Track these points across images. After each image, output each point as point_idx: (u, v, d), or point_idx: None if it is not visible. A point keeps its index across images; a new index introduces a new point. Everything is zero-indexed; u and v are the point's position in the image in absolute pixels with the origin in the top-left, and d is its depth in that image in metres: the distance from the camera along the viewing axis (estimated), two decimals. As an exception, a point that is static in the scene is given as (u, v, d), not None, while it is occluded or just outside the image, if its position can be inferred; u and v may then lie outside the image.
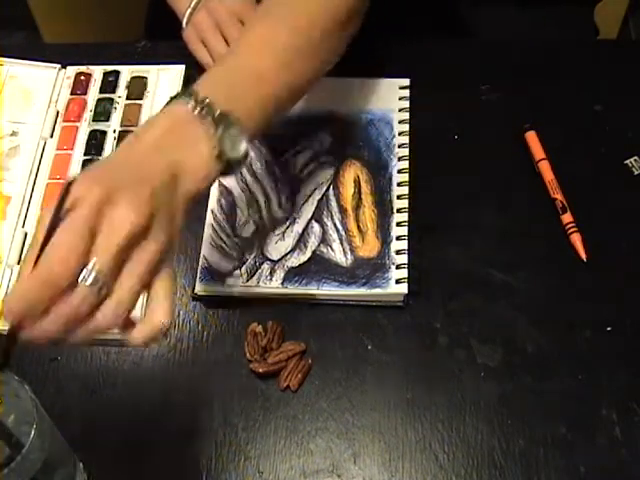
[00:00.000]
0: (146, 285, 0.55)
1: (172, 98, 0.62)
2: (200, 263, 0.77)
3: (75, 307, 0.51)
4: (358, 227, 0.79)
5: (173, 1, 0.93)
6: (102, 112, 0.87)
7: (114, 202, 0.53)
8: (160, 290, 0.55)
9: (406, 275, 0.75)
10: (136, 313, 0.55)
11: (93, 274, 0.51)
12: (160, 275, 0.55)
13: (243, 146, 0.62)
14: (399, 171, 0.81)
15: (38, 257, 0.51)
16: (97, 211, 0.52)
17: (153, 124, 0.60)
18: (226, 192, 0.81)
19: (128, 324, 0.55)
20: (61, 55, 0.91)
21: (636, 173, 0.82)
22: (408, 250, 0.76)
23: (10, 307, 0.51)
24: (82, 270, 0.51)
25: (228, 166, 0.61)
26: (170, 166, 0.58)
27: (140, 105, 0.88)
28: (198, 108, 0.60)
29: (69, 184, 0.53)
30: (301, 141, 0.84)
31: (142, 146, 0.59)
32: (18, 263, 0.78)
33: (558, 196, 0.80)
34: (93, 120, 0.87)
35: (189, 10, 0.90)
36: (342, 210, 0.80)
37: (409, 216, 0.78)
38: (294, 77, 0.68)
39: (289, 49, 0.68)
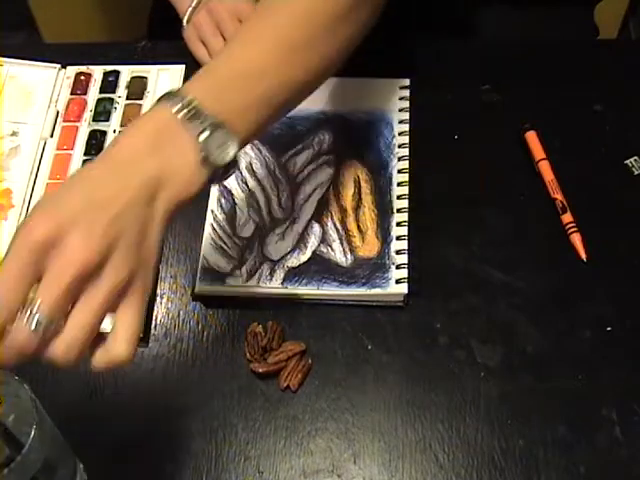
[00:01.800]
0: (102, 318, 0.52)
1: (159, 99, 0.58)
2: (200, 263, 0.77)
3: (21, 346, 0.50)
4: (358, 227, 0.79)
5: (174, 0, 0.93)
6: (102, 112, 0.87)
7: (63, 238, 0.50)
8: (122, 321, 0.53)
9: (406, 275, 0.75)
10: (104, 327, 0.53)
11: (36, 318, 0.49)
12: (126, 303, 0.52)
13: (232, 150, 0.58)
14: (399, 171, 0.81)
15: None
16: (42, 249, 0.50)
17: (134, 130, 0.57)
18: (226, 192, 0.81)
19: (95, 344, 0.53)
20: (61, 55, 0.91)
21: (636, 173, 0.82)
22: (408, 250, 0.76)
23: None
24: (27, 311, 0.49)
25: (216, 172, 0.58)
26: (149, 176, 0.54)
27: (140, 105, 0.88)
28: (184, 110, 0.56)
29: None
30: (301, 141, 0.84)
31: (120, 156, 0.55)
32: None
33: (558, 196, 0.80)
34: (93, 120, 0.87)
35: (190, 9, 0.90)
36: (342, 210, 0.80)
37: (409, 216, 0.78)
38: (292, 73, 0.63)
39: (287, 43, 0.63)
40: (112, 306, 0.52)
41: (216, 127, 0.57)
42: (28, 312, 0.49)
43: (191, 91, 0.57)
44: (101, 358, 0.53)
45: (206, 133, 0.56)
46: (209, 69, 0.61)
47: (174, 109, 0.56)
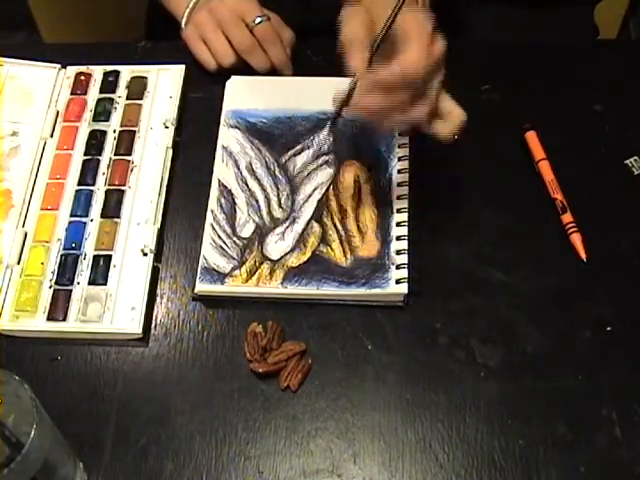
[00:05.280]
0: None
1: None
2: (200, 263, 0.77)
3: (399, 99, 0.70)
4: (358, 227, 0.79)
5: (169, 2, 0.93)
6: (102, 112, 0.87)
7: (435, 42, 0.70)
8: (446, 101, 0.73)
9: (406, 275, 0.75)
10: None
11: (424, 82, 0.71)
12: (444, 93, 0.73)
13: None
14: (399, 171, 0.81)
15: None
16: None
17: None
18: (226, 192, 0.81)
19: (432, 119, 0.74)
20: (61, 55, 0.91)
21: (636, 173, 0.82)
22: (408, 250, 0.76)
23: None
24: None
25: None
26: None
27: (140, 105, 0.87)
28: None
29: None
30: (301, 141, 0.84)
31: None
32: (18, 263, 0.78)
33: (558, 196, 0.80)
34: (93, 120, 0.87)
35: (187, 10, 0.89)
36: (342, 210, 0.80)
37: (409, 216, 0.78)
38: None
39: None
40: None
41: None
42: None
43: None
44: (448, 125, 0.74)
45: None
46: None
47: None
